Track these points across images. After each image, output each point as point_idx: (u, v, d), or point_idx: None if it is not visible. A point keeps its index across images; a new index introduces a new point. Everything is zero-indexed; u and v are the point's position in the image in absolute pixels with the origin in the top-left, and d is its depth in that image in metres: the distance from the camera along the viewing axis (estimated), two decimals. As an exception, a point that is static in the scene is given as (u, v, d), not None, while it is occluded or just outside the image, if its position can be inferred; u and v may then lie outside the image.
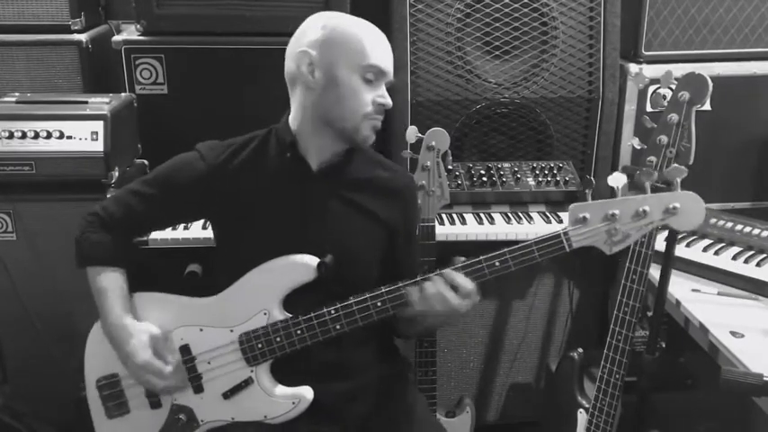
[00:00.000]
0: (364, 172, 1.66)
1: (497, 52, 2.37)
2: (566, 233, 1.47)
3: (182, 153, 1.66)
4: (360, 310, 1.53)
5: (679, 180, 1.50)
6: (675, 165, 1.52)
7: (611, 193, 1.53)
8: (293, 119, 1.60)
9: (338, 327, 1.54)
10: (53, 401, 2.22)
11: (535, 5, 2.34)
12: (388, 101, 1.58)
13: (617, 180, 1.54)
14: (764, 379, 1.34)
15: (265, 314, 1.56)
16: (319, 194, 1.61)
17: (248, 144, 1.64)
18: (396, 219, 1.68)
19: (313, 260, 1.55)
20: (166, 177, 1.65)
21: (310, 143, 1.59)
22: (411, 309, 1.53)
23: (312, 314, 1.54)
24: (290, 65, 1.57)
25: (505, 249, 1.49)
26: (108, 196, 1.77)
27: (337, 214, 1.62)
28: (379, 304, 1.52)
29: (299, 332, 1.55)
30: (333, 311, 1.53)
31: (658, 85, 1.66)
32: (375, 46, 1.54)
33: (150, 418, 1.64)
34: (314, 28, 1.55)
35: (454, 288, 1.48)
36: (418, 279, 1.52)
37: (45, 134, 2.03)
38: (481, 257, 1.50)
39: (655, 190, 1.63)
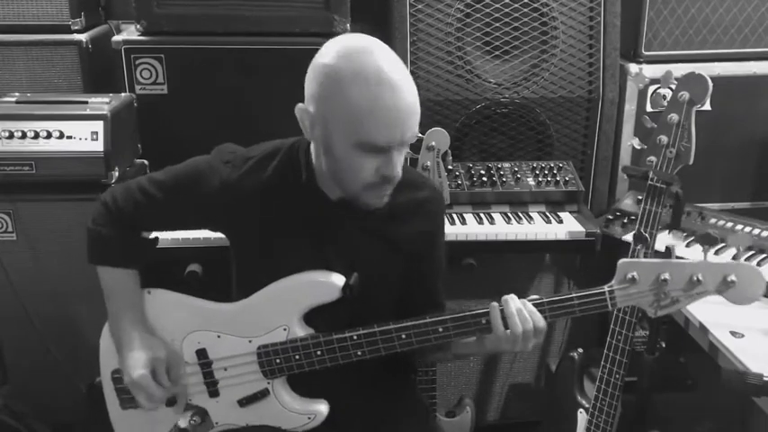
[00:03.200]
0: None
1: (497, 52, 2.37)
2: (611, 292, 1.38)
3: (197, 157, 1.57)
4: (383, 341, 1.47)
5: (743, 248, 1.41)
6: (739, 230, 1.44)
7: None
8: (313, 151, 1.49)
9: (359, 353, 1.48)
10: (53, 401, 2.22)
11: (535, 5, 2.34)
12: (396, 172, 1.36)
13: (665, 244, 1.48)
14: (764, 379, 1.35)
15: (285, 330, 1.52)
16: (338, 223, 1.52)
17: (269, 162, 1.53)
18: (419, 243, 1.59)
19: (339, 280, 1.49)
20: (177, 186, 1.56)
21: (326, 180, 1.48)
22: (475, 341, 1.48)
23: (334, 336, 1.49)
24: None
25: (545, 299, 1.42)
26: (118, 184, 1.69)
27: (356, 243, 1.54)
28: (403, 336, 1.46)
29: (318, 353, 1.50)
30: (355, 337, 1.47)
31: (658, 85, 1.66)
32: (378, 119, 1.29)
33: (164, 413, 1.62)
34: (316, 72, 1.35)
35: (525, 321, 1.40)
36: (480, 311, 1.45)
37: (45, 134, 2.03)
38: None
39: (653, 185, 1.63)
